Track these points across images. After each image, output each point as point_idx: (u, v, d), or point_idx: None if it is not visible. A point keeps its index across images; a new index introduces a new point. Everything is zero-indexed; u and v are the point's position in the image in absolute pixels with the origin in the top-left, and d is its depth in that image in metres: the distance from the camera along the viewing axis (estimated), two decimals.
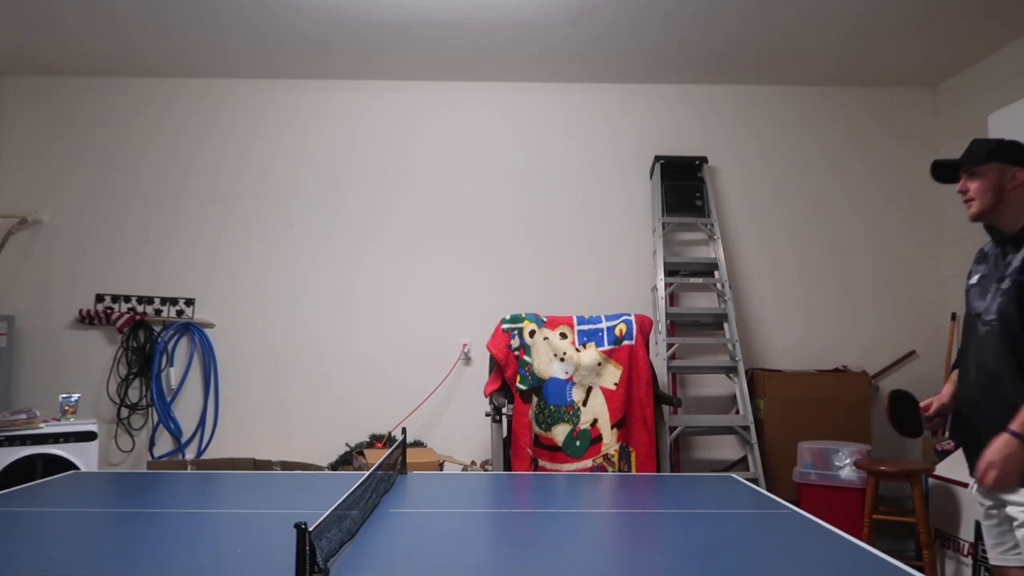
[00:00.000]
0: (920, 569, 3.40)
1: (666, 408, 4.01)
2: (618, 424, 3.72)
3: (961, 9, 3.88)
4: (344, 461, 4.50)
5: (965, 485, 3.47)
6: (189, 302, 4.75)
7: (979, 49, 4.37)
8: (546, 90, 4.97)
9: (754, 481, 4.09)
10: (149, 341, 4.69)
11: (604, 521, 1.98)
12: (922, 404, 2.28)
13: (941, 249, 4.88)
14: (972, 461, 2.07)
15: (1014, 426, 1.91)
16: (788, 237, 4.91)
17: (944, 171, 2.11)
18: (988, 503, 2.09)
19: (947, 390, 2.25)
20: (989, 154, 2.00)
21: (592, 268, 4.85)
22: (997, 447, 1.92)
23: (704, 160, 4.85)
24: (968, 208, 2.02)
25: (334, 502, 1.60)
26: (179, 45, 4.38)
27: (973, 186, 2.02)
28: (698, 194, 4.80)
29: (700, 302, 4.87)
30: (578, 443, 3.71)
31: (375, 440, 4.56)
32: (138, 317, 4.68)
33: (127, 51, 4.47)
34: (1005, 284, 1.94)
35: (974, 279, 2.12)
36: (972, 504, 3.41)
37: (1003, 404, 1.96)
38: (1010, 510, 1.98)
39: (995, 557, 2.10)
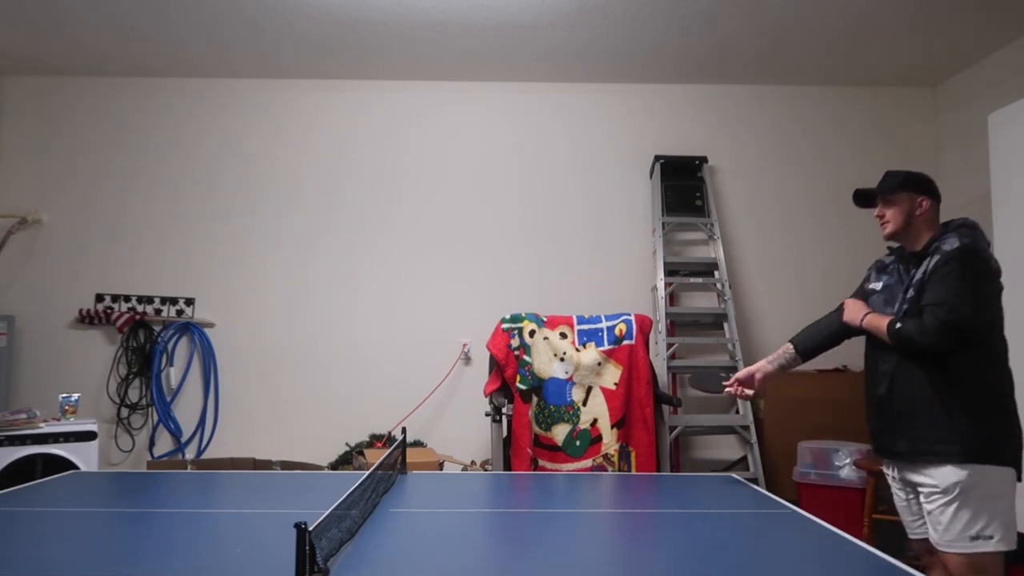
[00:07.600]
0: (920, 569, 3.39)
1: (666, 408, 4.01)
2: (618, 424, 3.72)
3: (961, 9, 3.88)
4: (344, 461, 4.50)
5: None
6: (189, 302, 4.75)
7: (979, 49, 4.37)
8: (546, 90, 4.96)
9: (754, 481, 4.09)
10: (149, 341, 4.69)
11: (604, 521, 1.98)
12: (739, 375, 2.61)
13: None
14: (884, 445, 2.31)
15: (880, 320, 2.26)
16: (788, 237, 4.91)
17: (863, 198, 2.42)
18: (899, 485, 2.35)
19: (762, 362, 2.57)
20: (901, 185, 2.32)
21: (592, 268, 4.84)
22: (862, 310, 2.33)
23: (704, 160, 4.84)
24: (883, 229, 2.35)
25: (334, 502, 1.60)
26: (179, 45, 4.38)
27: (888, 212, 2.34)
28: (698, 194, 4.79)
29: (700, 302, 4.87)
30: (578, 443, 3.71)
31: (375, 440, 4.56)
32: (138, 317, 4.68)
33: (127, 51, 4.47)
34: (910, 293, 2.22)
35: (877, 285, 2.40)
36: None
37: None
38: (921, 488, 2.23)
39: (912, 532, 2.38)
